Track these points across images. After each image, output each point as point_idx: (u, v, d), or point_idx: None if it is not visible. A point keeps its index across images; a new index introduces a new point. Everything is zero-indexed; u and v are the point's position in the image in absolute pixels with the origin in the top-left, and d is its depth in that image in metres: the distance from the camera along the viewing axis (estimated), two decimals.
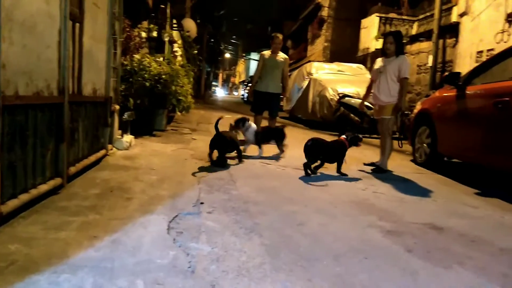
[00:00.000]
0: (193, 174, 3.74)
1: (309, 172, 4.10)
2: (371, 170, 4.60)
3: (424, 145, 5.25)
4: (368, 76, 10.36)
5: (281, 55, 6.31)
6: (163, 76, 6.14)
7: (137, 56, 6.17)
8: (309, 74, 11.28)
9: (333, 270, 1.91)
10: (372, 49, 16.07)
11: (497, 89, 3.94)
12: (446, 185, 4.20)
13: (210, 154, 4.25)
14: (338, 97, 9.30)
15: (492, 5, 9.68)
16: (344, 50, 19.87)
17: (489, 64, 4.54)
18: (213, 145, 4.18)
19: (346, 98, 9.03)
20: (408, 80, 4.74)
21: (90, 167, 3.53)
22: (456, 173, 4.84)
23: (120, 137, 4.69)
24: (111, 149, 4.36)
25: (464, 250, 2.30)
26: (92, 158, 3.59)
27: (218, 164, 4.16)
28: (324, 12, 22.87)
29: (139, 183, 3.23)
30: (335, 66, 11.94)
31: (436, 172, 4.83)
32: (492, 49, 9.53)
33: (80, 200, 2.68)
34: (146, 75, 5.92)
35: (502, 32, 9.29)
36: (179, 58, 9.91)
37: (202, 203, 2.80)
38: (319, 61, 15.67)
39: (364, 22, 17.06)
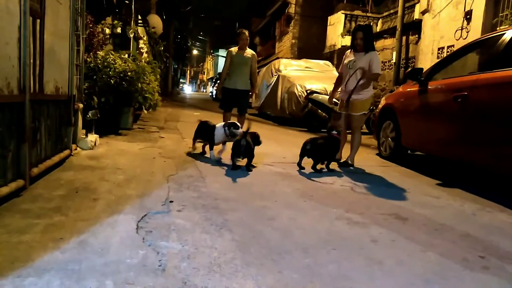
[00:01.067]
0: (162, 172, 3.69)
1: (316, 168, 4.24)
2: (338, 164, 4.69)
3: (389, 139, 5.42)
4: (335, 72, 10.55)
5: (249, 52, 6.32)
6: (129, 73, 6.01)
7: (100, 53, 6.01)
8: (278, 70, 11.36)
9: (303, 261, 1.95)
10: (338, 46, 16.41)
11: (456, 84, 4.12)
12: (409, 177, 4.36)
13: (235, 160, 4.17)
14: (306, 94, 9.42)
15: (452, 3, 10.08)
16: (311, 47, 20.17)
17: (449, 60, 4.73)
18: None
19: (314, 95, 9.15)
20: (380, 75, 4.81)
21: (53, 168, 3.42)
22: (419, 165, 5.03)
23: (84, 136, 4.57)
24: (75, 149, 4.24)
25: (427, 238, 2.41)
26: (56, 158, 3.48)
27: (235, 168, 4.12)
28: (291, 9, 23.09)
29: (106, 183, 3.16)
30: (303, 62, 12.08)
31: (400, 165, 5.00)
32: (452, 46, 9.93)
33: (44, 202, 2.60)
34: (110, 72, 5.79)
35: (461, 29, 9.69)
36: (145, 55, 9.74)
37: (171, 201, 2.78)
38: (287, 58, 15.80)
39: (331, 19, 17.38)
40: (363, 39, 4.56)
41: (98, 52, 6.02)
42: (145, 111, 7.12)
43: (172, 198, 2.85)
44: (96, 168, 3.68)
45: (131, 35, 9.24)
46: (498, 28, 7.96)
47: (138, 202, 2.73)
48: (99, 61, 5.83)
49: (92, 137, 4.69)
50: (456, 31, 9.80)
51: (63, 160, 3.71)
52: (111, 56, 6.03)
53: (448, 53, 9.73)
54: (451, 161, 4.84)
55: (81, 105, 4.46)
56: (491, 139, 3.62)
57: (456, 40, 9.77)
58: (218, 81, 7.11)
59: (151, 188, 3.11)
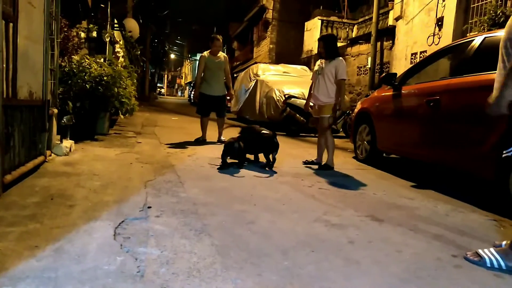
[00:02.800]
0: (139, 178, 3.65)
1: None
2: (318, 167, 4.77)
3: (365, 142, 5.52)
4: None
5: (221, 55, 6.41)
6: (105, 78, 5.92)
7: (76, 57, 5.90)
8: (256, 75, 11.42)
9: (282, 264, 1.98)
10: (315, 51, 16.57)
11: (429, 89, 4.24)
12: (385, 179, 4.45)
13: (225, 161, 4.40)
14: (284, 98, 9.51)
15: (424, 10, 10.38)
16: (289, 52, 20.34)
17: (422, 65, 4.87)
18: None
19: (292, 99, 9.25)
20: (346, 81, 4.96)
21: (27, 174, 3.34)
22: (394, 167, 5.15)
23: (59, 142, 4.48)
24: (50, 155, 4.15)
25: (402, 239, 2.47)
26: (30, 165, 3.40)
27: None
28: (269, 15, 23.26)
29: (82, 190, 3.10)
30: (281, 67, 12.19)
31: (376, 168, 5.10)
32: (424, 51, 10.22)
33: (18, 209, 2.54)
34: (86, 77, 5.69)
35: (433, 35, 9.99)
36: (121, 59, 9.62)
37: (149, 207, 2.76)
38: (265, 63, 15.90)
39: (308, 24, 17.59)
40: (324, 48, 4.80)
41: (73, 56, 5.92)
42: (122, 116, 7.02)
43: (150, 204, 2.82)
44: (71, 174, 3.61)
45: (107, 39, 9.11)
46: (468, 35, 8.24)
47: (115, 208, 2.69)
48: (74, 66, 5.72)
49: (67, 143, 4.60)
50: (428, 37, 10.10)
51: (37, 167, 3.62)
52: (87, 60, 5.94)
53: (420, 59, 10.00)
54: (424, 163, 4.98)
55: (55, 110, 4.37)
56: (461, 141, 3.74)
57: (429, 45, 10.06)
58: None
59: (128, 194, 3.08)
